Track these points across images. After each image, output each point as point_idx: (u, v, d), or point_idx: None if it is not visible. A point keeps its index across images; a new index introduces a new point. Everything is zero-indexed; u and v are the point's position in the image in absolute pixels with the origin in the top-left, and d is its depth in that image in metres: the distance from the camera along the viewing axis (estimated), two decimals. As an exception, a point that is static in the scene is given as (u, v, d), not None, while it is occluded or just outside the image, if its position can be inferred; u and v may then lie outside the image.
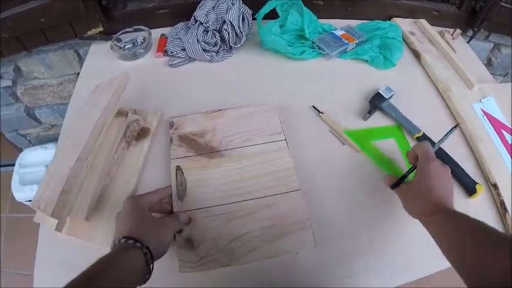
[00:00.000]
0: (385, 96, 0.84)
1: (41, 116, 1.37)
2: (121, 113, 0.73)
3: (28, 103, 1.29)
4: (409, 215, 0.61)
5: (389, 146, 0.80)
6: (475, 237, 0.48)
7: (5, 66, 1.11)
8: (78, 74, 0.95)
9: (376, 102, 0.84)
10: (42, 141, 1.51)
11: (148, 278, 0.50)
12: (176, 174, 0.69)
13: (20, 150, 1.43)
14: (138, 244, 0.49)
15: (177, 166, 0.70)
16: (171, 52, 0.95)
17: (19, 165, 1.35)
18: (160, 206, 0.64)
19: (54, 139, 1.48)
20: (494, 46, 1.28)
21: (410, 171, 0.65)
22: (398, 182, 0.65)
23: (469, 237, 0.49)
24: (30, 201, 1.30)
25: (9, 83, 1.17)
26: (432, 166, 0.59)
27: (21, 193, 1.31)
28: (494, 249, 0.44)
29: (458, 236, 0.50)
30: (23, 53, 1.06)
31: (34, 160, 1.37)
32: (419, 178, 0.60)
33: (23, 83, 1.20)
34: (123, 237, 0.50)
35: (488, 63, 1.36)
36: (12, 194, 1.32)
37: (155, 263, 0.51)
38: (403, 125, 0.82)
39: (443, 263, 0.63)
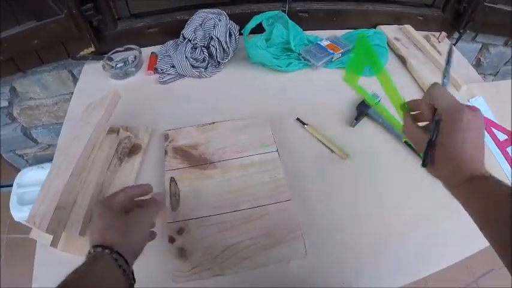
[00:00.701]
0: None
1: (38, 136, 1.38)
2: (112, 130, 0.75)
3: (24, 123, 1.30)
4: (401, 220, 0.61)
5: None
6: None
7: (1, 87, 1.12)
8: (72, 95, 0.97)
9: (363, 108, 0.86)
10: (39, 161, 1.52)
11: (132, 284, 0.47)
12: (170, 185, 0.71)
13: (18, 170, 1.44)
14: (107, 251, 0.45)
15: (171, 177, 0.72)
16: (161, 69, 0.97)
17: (17, 185, 1.36)
18: (134, 203, 0.57)
19: (51, 159, 1.46)
20: (482, 46, 1.30)
21: (435, 133, 0.47)
22: (426, 154, 0.47)
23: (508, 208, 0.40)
24: (29, 220, 1.32)
25: (6, 103, 1.19)
26: (464, 119, 0.44)
27: (20, 213, 1.31)
28: None
29: (497, 207, 0.41)
30: (18, 74, 1.08)
31: (32, 180, 1.38)
32: (450, 139, 0.45)
33: (19, 103, 1.21)
34: (92, 247, 0.47)
35: (478, 64, 1.37)
36: (11, 214, 1.32)
37: (149, 273, 0.52)
38: (390, 129, 0.84)
39: (435, 266, 0.65)
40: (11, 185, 1.38)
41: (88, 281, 0.43)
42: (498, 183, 0.44)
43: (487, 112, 0.88)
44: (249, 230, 0.65)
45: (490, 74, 1.44)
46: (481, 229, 0.43)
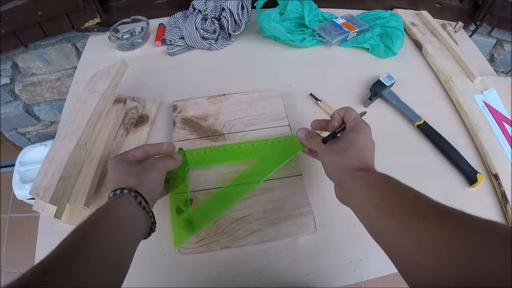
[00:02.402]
0: (385, 83, 0.83)
1: (40, 113, 1.36)
2: (119, 100, 0.72)
3: (27, 100, 1.28)
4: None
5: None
6: (416, 205, 0.41)
7: (3, 63, 1.10)
8: (77, 68, 0.94)
9: (377, 89, 0.83)
10: (41, 138, 1.51)
11: (153, 228, 0.49)
12: None
13: (20, 149, 1.42)
14: (125, 190, 0.46)
15: (180, 148, 0.69)
16: (170, 41, 0.94)
17: (19, 163, 1.35)
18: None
19: (53, 136, 1.46)
20: (497, 42, 1.26)
21: (340, 130, 0.58)
22: (333, 135, 0.57)
23: (410, 204, 0.42)
24: (31, 199, 1.30)
25: (7, 80, 1.17)
26: (368, 129, 0.56)
27: (22, 191, 1.30)
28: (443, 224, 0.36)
29: (399, 200, 0.43)
30: (20, 48, 1.05)
31: (34, 158, 1.37)
32: (353, 132, 0.55)
33: (21, 79, 1.19)
34: (111, 192, 0.48)
35: (491, 60, 1.34)
36: (13, 194, 1.31)
37: (156, 244, 0.50)
38: (403, 112, 0.81)
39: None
40: (13, 165, 1.36)
41: (112, 214, 0.44)
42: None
43: (499, 106, 0.85)
44: (258, 203, 0.63)
45: (502, 72, 1.41)
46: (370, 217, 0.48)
